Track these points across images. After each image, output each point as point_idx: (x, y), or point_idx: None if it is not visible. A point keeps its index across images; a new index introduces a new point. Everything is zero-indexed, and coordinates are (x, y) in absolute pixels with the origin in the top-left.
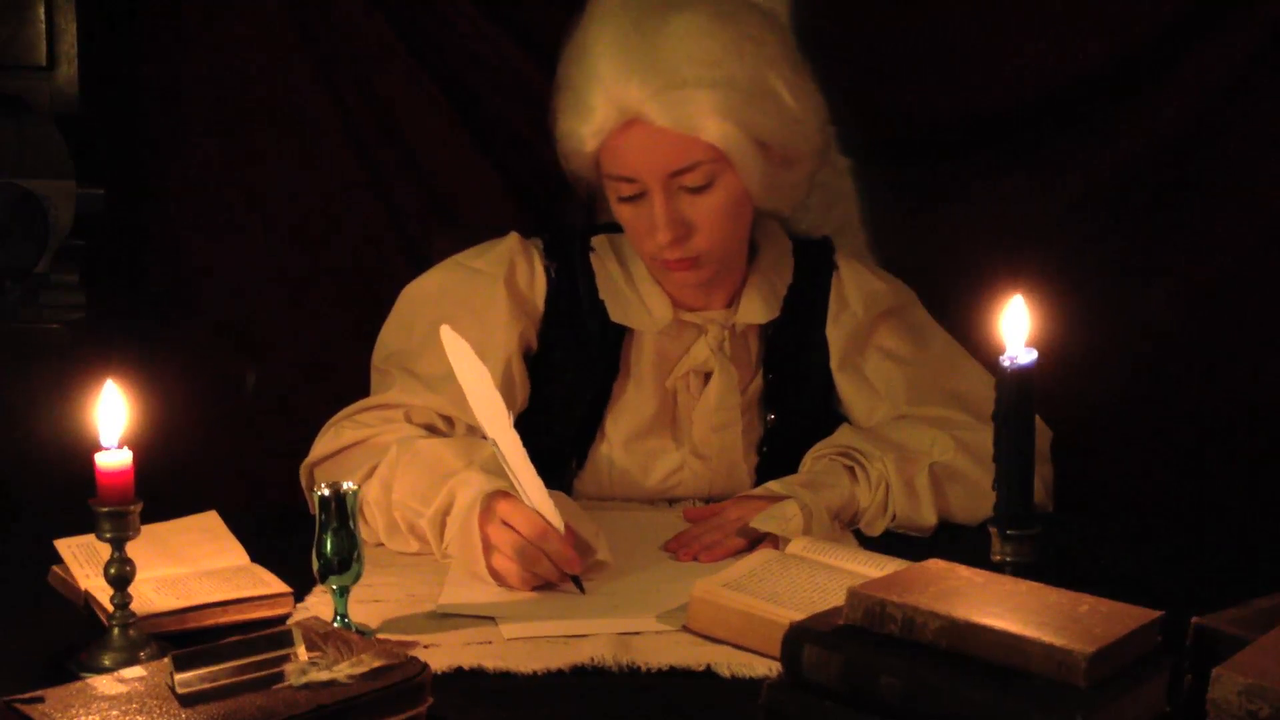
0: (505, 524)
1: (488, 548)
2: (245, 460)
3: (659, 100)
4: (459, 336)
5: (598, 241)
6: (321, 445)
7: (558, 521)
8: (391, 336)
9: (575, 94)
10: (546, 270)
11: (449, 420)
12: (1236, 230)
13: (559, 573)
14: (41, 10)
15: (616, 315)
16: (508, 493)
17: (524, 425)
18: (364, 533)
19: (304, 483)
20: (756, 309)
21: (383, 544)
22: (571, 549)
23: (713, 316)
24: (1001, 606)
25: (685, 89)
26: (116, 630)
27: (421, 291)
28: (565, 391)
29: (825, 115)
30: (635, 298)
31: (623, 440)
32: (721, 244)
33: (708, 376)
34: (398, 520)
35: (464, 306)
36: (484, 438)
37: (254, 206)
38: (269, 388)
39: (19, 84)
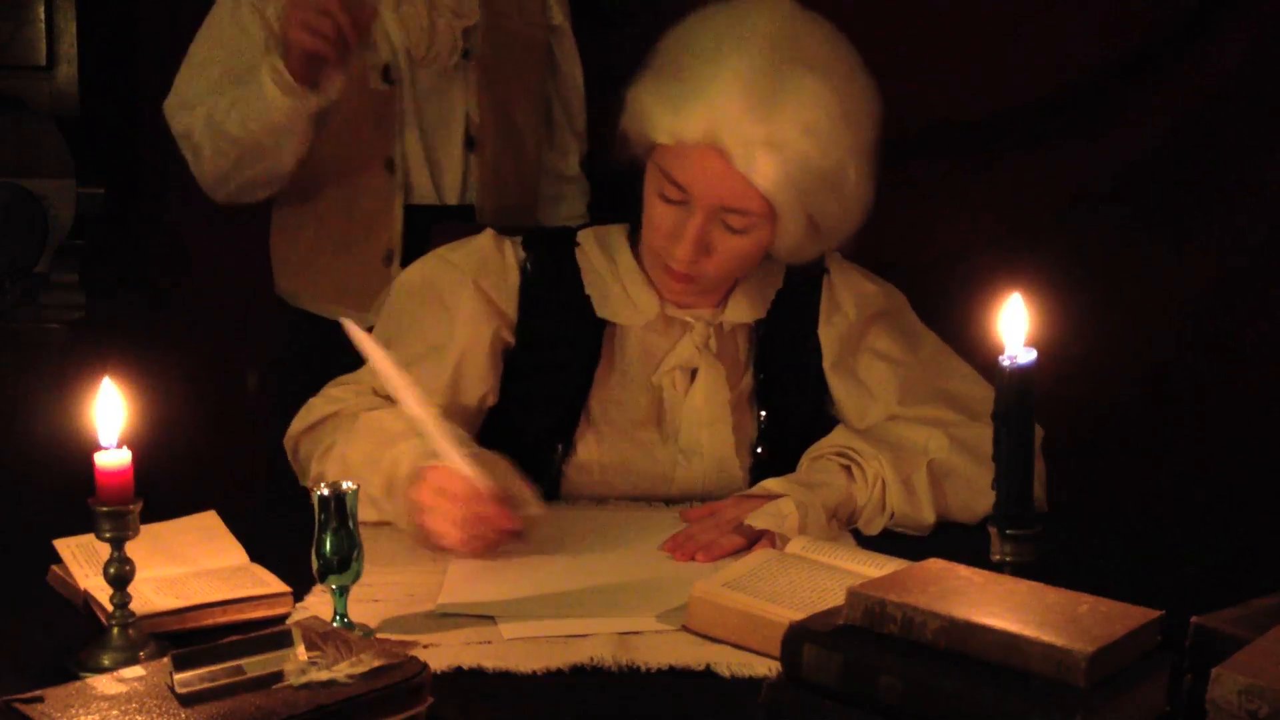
0: (438, 489)
1: (422, 511)
2: (245, 460)
3: (754, 150)
4: (356, 325)
5: (583, 236)
6: (297, 420)
7: (485, 483)
8: (380, 323)
9: (681, 89)
10: (521, 265)
11: None
12: (1236, 230)
13: (496, 532)
14: (41, 10)
15: (602, 310)
16: (439, 465)
17: (507, 416)
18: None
19: (290, 453)
20: (743, 308)
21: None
22: (502, 508)
23: (700, 314)
24: (1001, 606)
25: (781, 151)
26: (116, 630)
27: (406, 282)
28: (547, 382)
29: (872, 200)
30: (620, 292)
31: (610, 434)
32: (727, 276)
33: (694, 374)
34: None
35: (433, 298)
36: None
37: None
38: (269, 388)
39: (19, 84)
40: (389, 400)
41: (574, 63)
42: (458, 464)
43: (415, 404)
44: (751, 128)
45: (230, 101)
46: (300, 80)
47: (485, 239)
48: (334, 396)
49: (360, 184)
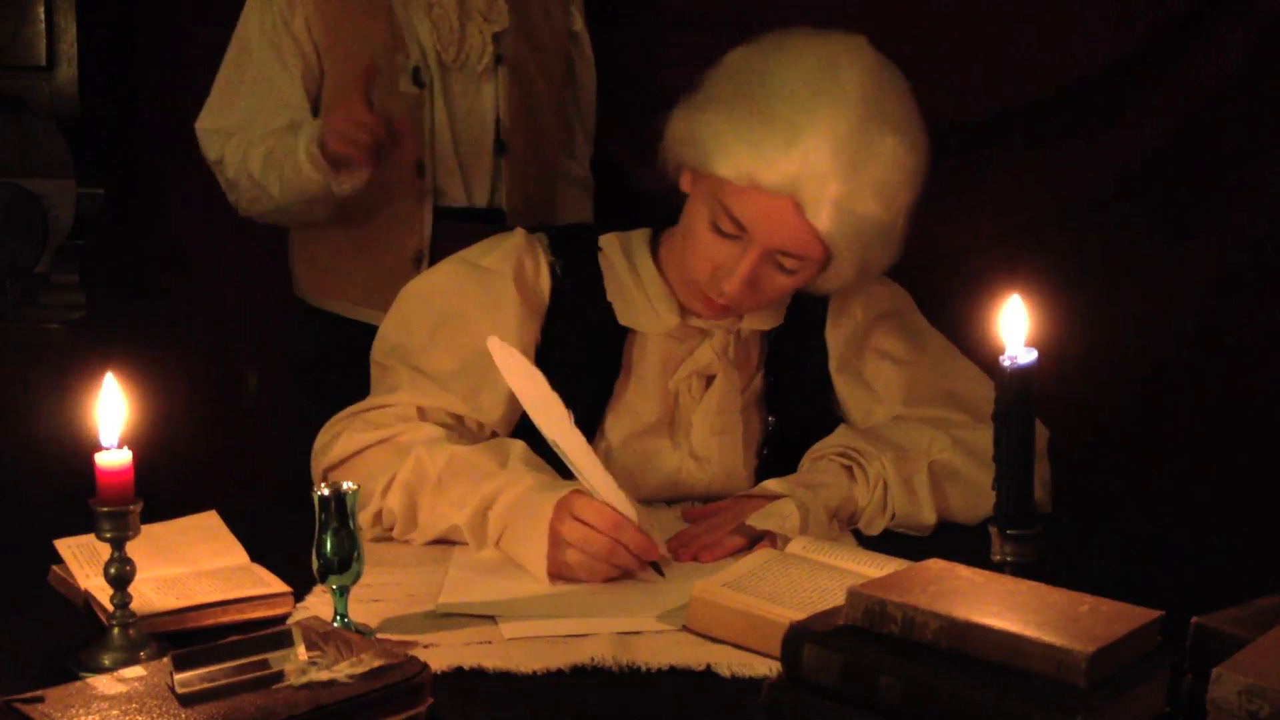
0: (579, 520)
1: (561, 544)
2: (245, 460)
3: (829, 206)
4: (506, 344)
5: (605, 241)
6: (338, 448)
7: (631, 512)
8: (394, 331)
9: (769, 136)
10: (551, 267)
11: (458, 418)
12: (1235, 229)
13: (638, 561)
14: (41, 10)
15: (624, 318)
16: (580, 491)
17: (524, 421)
18: (375, 533)
19: (318, 482)
20: (762, 316)
21: (395, 539)
22: (648, 538)
23: (719, 322)
24: (1001, 606)
25: (855, 211)
26: (116, 630)
27: (427, 287)
28: (566, 389)
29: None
30: (643, 300)
31: (621, 440)
32: (755, 306)
33: (710, 380)
34: (424, 527)
35: (473, 303)
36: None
37: None
38: (269, 387)
39: (19, 84)
40: (441, 424)
41: (590, 68)
42: (606, 492)
43: (564, 430)
44: (834, 186)
45: (266, 156)
46: (334, 165)
47: (519, 238)
48: (374, 422)
49: (390, 187)
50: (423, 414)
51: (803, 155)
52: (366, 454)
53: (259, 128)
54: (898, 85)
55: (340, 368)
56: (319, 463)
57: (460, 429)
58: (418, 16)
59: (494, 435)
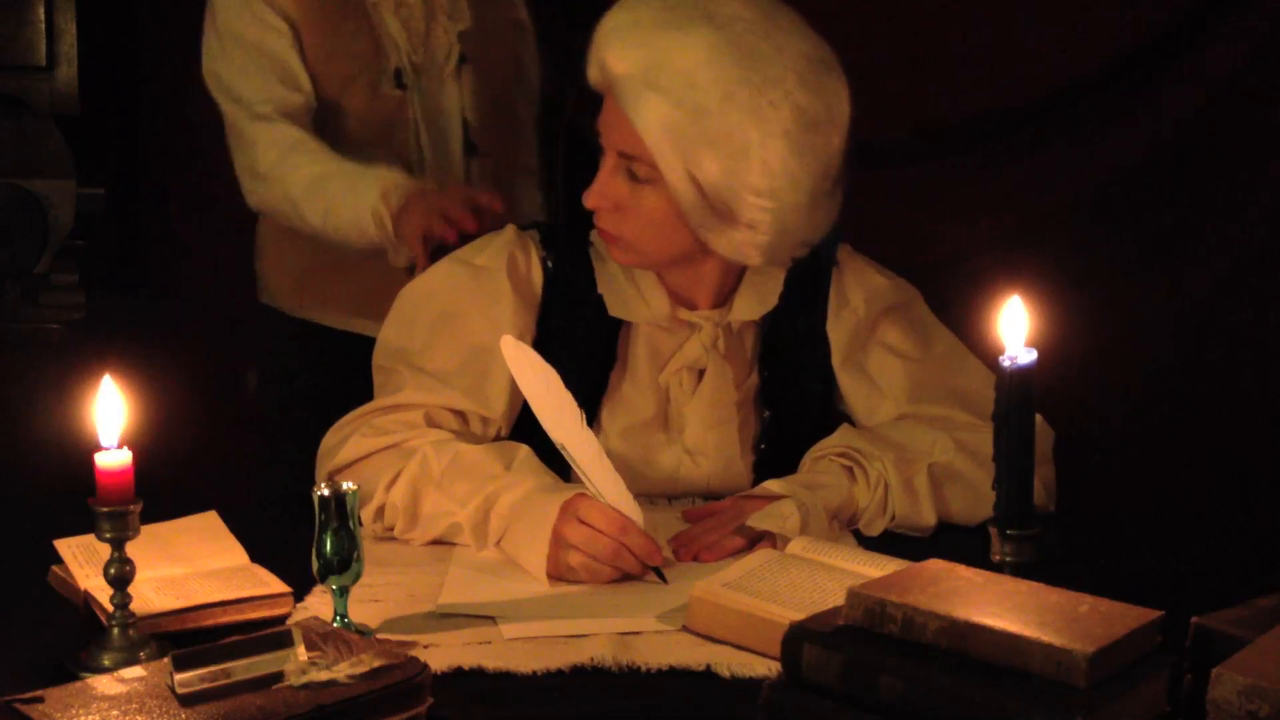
0: (583, 522)
1: (564, 546)
2: (245, 460)
3: (629, 87)
4: (521, 343)
5: (596, 236)
6: (345, 451)
7: (637, 515)
8: (394, 334)
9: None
10: (543, 261)
11: (462, 415)
12: (1236, 229)
13: (641, 565)
14: (41, 10)
15: (615, 309)
16: (584, 493)
17: (521, 417)
18: (376, 530)
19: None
20: (749, 305)
21: (395, 539)
22: (652, 541)
23: (708, 315)
24: (1001, 606)
25: (652, 91)
26: (116, 630)
27: (423, 288)
28: (564, 382)
29: (805, 200)
30: (634, 291)
31: (619, 434)
32: (648, 244)
33: (701, 374)
34: (425, 523)
35: (469, 302)
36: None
37: None
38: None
39: (19, 84)
40: (446, 427)
41: (533, 60)
42: (612, 494)
43: (573, 430)
44: (628, 66)
45: (312, 182)
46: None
47: (509, 234)
48: (381, 427)
49: None
50: (429, 419)
51: (602, 38)
52: (374, 459)
53: (271, 103)
54: (754, 3)
55: (323, 376)
56: (325, 465)
57: (465, 431)
58: (389, 18)
59: (499, 435)
